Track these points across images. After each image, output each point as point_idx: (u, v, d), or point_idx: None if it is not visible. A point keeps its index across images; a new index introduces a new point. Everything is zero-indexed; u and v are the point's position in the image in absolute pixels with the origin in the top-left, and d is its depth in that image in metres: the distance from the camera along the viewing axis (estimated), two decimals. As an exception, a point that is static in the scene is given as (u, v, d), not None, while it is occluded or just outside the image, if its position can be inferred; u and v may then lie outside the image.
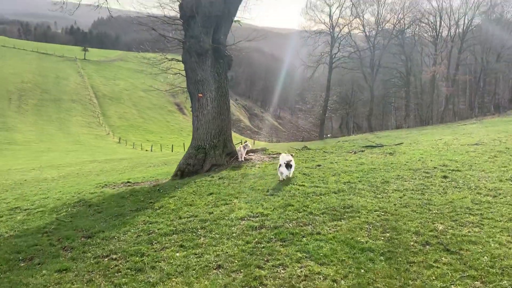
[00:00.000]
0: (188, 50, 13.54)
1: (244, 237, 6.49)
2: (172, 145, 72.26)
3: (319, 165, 12.56)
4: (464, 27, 64.48)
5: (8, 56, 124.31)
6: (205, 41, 13.31)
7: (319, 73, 67.98)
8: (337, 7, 60.03)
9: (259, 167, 12.90)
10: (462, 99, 76.04)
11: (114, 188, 14.26)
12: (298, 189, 9.29)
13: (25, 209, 10.98)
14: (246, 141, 16.69)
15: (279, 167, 10.12)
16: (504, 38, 60.95)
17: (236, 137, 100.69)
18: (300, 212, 7.48)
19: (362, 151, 15.66)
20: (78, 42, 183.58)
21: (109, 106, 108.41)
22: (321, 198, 8.42)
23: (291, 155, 10.92)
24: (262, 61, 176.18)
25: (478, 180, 9.44)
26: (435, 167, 10.99)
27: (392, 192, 8.70)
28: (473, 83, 70.00)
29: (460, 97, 75.12)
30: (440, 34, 66.59)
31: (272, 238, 6.42)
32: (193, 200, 8.86)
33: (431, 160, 12.03)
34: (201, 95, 13.96)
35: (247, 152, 16.25)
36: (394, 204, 7.76)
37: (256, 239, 6.39)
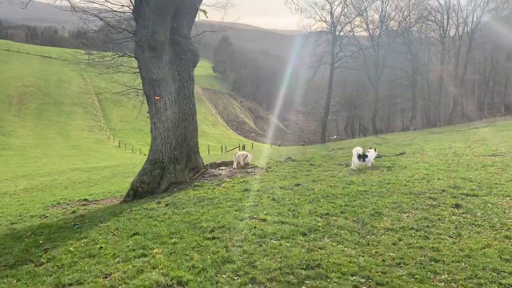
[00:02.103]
0: (140, 44, 11.07)
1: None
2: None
3: (297, 184, 10.04)
4: (473, 25, 61.42)
5: (11, 60, 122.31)
6: (159, 31, 10.82)
7: (322, 74, 64.90)
8: (338, 4, 56.96)
9: (224, 187, 10.38)
10: (470, 100, 72.76)
11: (64, 209, 11.90)
12: (256, 227, 6.74)
13: None
14: (247, 154, 14.16)
15: (353, 157, 12.03)
16: (515, 37, 57.71)
17: (241, 139, 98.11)
18: (238, 277, 4.93)
19: (356, 163, 13.10)
20: (85, 45, 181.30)
21: (111, 109, 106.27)
22: (280, 245, 5.87)
23: (375, 149, 12.60)
24: (268, 63, 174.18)
25: (503, 212, 6.90)
26: (443, 190, 8.45)
27: (383, 234, 6.17)
28: (482, 83, 66.81)
29: (469, 97, 71.84)
30: (447, 33, 63.52)
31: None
32: (101, 248, 6.24)
33: (438, 179, 9.45)
34: (158, 97, 11.50)
35: (219, 165, 13.82)
36: (383, 260, 5.23)
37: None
